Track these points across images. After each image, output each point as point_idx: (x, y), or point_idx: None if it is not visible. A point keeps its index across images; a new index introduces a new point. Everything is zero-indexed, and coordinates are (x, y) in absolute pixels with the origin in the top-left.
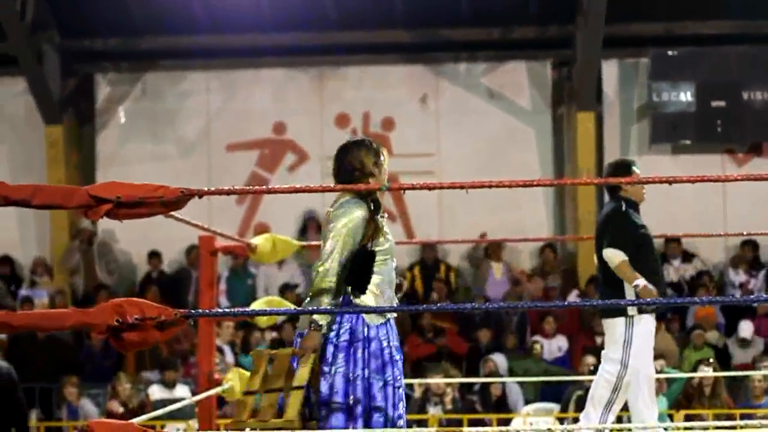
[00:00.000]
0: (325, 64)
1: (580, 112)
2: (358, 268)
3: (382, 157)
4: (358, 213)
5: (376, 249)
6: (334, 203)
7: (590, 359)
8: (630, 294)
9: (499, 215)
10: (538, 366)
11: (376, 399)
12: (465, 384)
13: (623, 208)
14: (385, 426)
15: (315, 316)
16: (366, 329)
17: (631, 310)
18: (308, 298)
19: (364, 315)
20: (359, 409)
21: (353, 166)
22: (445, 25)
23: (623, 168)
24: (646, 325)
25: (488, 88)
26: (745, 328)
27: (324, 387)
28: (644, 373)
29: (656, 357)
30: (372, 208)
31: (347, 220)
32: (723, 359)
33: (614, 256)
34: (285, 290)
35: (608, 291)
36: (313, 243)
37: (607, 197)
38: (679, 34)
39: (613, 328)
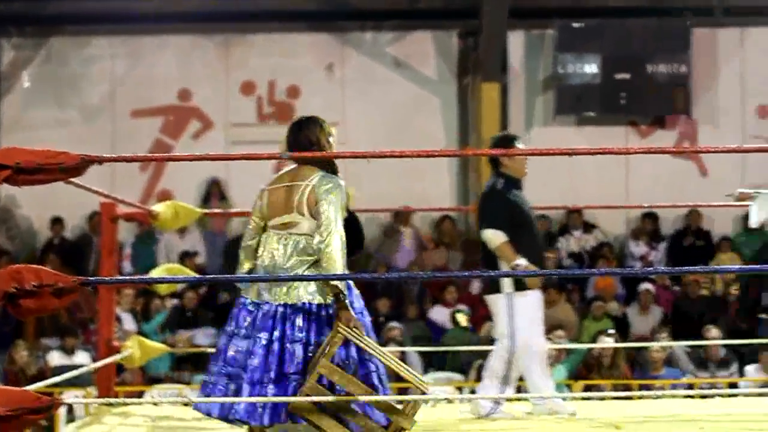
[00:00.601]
0: (231, 31)
1: (485, 83)
2: (351, 234)
3: (332, 138)
4: (341, 183)
5: None
6: (306, 178)
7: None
8: (503, 267)
9: (403, 184)
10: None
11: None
12: None
13: (499, 185)
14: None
15: (340, 287)
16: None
17: (509, 287)
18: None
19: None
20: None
21: (310, 140)
22: None
23: (505, 142)
24: (528, 299)
25: (394, 57)
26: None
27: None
28: (533, 346)
29: (555, 328)
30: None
31: (339, 191)
32: (622, 329)
33: (494, 237)
34: (185, 258)
35: (487, 267)
36: (216, 210)
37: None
38: (585, 6)
39: (495, 304)
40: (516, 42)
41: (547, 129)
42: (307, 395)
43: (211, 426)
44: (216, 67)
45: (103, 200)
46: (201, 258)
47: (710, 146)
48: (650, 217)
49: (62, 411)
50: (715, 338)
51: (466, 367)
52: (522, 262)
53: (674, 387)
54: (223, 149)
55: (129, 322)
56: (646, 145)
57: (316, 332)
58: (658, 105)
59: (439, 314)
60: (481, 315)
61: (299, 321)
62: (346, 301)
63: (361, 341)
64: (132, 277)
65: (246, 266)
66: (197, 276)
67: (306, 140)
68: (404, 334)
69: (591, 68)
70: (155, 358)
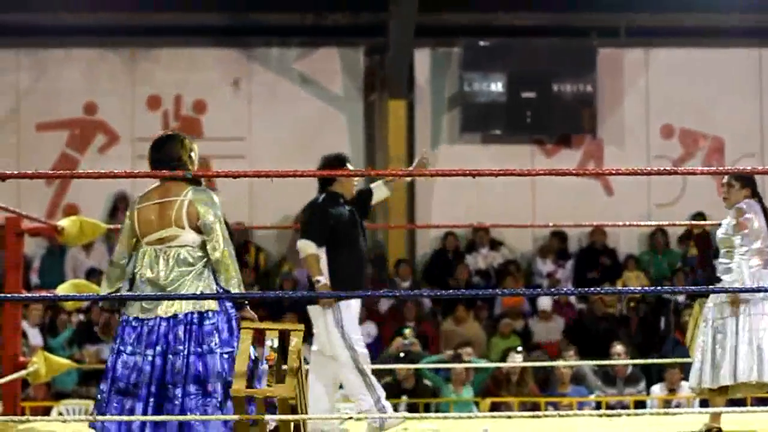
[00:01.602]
0: (137, 45)
1: (391, 100)
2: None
3: (194, 153)
4: (213, 194)
5: None
6: (179, 194)
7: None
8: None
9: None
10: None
11: None
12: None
13: (320, 200)
14: None
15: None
16: None
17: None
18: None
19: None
20: None
21: (171, 157)
22: (257, 9)
23: (337, 162)
24: (352, 310)
25: (301, 74)
26: (545, 303)
27: None
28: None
29: (463, 345)
30: None
31: (216, 202)
32: (525, 337)
33: (305, 247)
34: (91, 275)
35: (309, 279)
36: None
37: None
38: (491, 24)
39: (320, 315)
40: (422, 59)
41: (454, 147)
42: (270, 399)
43: None
44: (122, 81)
45: (8, 215)
46: None
47: (614, 168)
48: (557, 236)
49: None
50: (620, 354)
51: None
52: (322, 279)
53: (581, 405)
54: (129, 163)
55: (36, 337)
56: (551, 164)
57: (196, 342)
58: (564, 124)
59: None
60: (390, 332)
61: (180, 332)
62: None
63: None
64: (35, 295)
65: (116, 285)
66: (99, 294)
67: (167, 157)
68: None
69: (497, 86)
70: (62, 373)
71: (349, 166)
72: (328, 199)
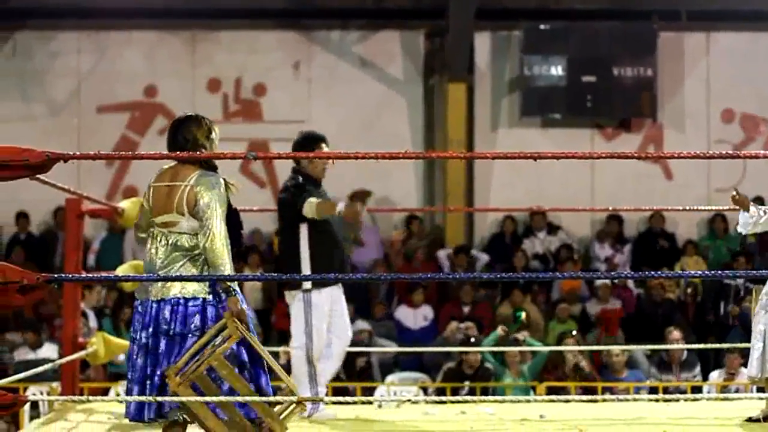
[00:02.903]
0: (197, 27)
1: (451, 84)
2: (232, 230)
3: (213, 134)
4: (220, 180)
5: None
6: (185, 178)
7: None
8: (305, 267)
9: (368, 184)
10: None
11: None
12: None
13: (300, 180)
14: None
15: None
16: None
17: (307, 284)
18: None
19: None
20: None
21: (186, 138)
22: None
23: (310, 141)
24: (323, 296)
25: (361, 57)
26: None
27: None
28: (329, 346)
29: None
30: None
31: (217, 188)
32: (584, 326)
33: (308, 205)
34: None
35: (285, 264)
36: None
37: None
38: (552, 8)
39: (293, 301)
40: (482, 43)
41: (513, 130)
42: (193, 383)
43: None
44: (182, 64)
45: (68, 196)
46: None
47: (675, 151)
48: (615, 219)
49: (26, 407)
50: (677, 339)
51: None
52: (340, 204)
53: (637, 390)
54: None
55: (93, 319)
56: (611, 148)
57: (180, 323)
58: (624, 108)
59: (404, 314)
60: (447, 314)
61: (166, 314)
62: (236, 294)
63: (252, 339)
64: (96, 275)
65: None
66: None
67: (182, 138)
68: (373, 335)
69: (557, 70)
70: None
71: (324, 147)
72: (303, 181)
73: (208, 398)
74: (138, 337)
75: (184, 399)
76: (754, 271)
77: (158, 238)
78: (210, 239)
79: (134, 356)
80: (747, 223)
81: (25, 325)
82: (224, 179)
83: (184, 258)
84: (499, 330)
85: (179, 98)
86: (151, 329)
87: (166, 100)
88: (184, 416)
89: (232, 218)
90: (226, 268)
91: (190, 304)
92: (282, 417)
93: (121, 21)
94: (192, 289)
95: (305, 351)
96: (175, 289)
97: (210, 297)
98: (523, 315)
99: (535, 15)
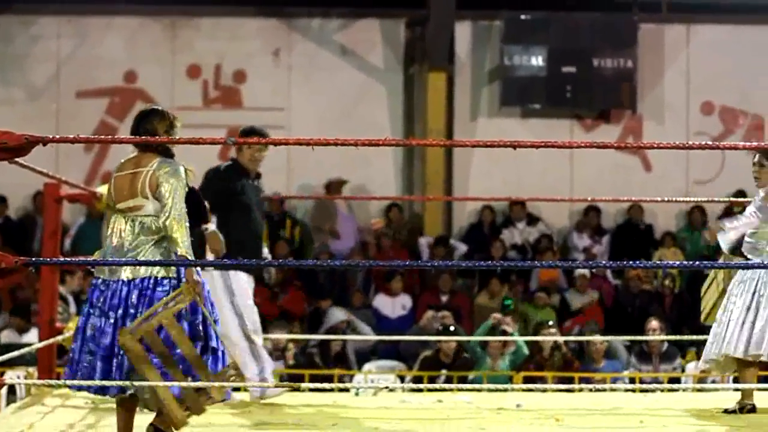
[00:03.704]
0: (178, 13)
1: (431, 73)
2: (193, 208)
3: (175, 128)
4: (178, 166)
5: None
6: (147, 165)
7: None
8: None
9: (347, 172)
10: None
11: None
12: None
13: (222, 167)
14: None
15: (187, 254)
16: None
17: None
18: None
19: None
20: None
21: (147, 130)
22: None
23: (248, 135)
24: (241, 277)
25: (341, 45)
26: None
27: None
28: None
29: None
30: None
31: (176, 173)
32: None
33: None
34: None
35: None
36: None
37: None
38: None
39: (213, 281)
40: (463, 32)
41: (493, 120)
42: (141, 338)
43: None
44: (162, 50)
45: (47, 180)
46: None
47: (654, 142)
48: (594, 210)
49: (3, 391)
50: (655, 330)
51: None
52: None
53: (615, 380)
54: None
55: (73, 304)
56: (590, 139)
57: (147, 305)
58: (604, 99)
59: (383, 303)
60: (425, 303)
61: (134, 296)
62: (193, 269)
63: (204, 309)
64: (74, 259)
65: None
66: (135, 259)
67: (143, 130)
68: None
69: (537, 60)
70: None
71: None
72: (230, 169)
73: (154, 354)
74: (100, 314)
75: (133, 358)
76: (732, 263)
77: (123, 222)
78: (169, 216)
79: (92, 332)
80: (728, 239)
81: (15, 310)
82: (183, 165)
83: (150, 242)
84: (492, 319)
85: (159, 84)
86: (121, 310)
87: (145, 85)
88: (133, 383)
89: (192, 197)
90: (183, 248)
91: (159, 285)
92: (205, 400)
93: (102, 6)
94: (160, 271)
95: (240, 329)
96: (145, 271)
97: (175, 278)
98: (512, 304)
99: (516, 5)
